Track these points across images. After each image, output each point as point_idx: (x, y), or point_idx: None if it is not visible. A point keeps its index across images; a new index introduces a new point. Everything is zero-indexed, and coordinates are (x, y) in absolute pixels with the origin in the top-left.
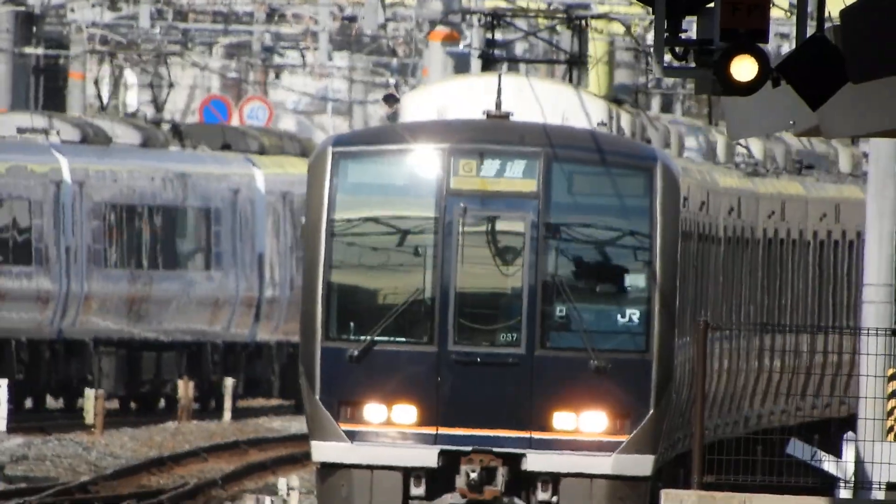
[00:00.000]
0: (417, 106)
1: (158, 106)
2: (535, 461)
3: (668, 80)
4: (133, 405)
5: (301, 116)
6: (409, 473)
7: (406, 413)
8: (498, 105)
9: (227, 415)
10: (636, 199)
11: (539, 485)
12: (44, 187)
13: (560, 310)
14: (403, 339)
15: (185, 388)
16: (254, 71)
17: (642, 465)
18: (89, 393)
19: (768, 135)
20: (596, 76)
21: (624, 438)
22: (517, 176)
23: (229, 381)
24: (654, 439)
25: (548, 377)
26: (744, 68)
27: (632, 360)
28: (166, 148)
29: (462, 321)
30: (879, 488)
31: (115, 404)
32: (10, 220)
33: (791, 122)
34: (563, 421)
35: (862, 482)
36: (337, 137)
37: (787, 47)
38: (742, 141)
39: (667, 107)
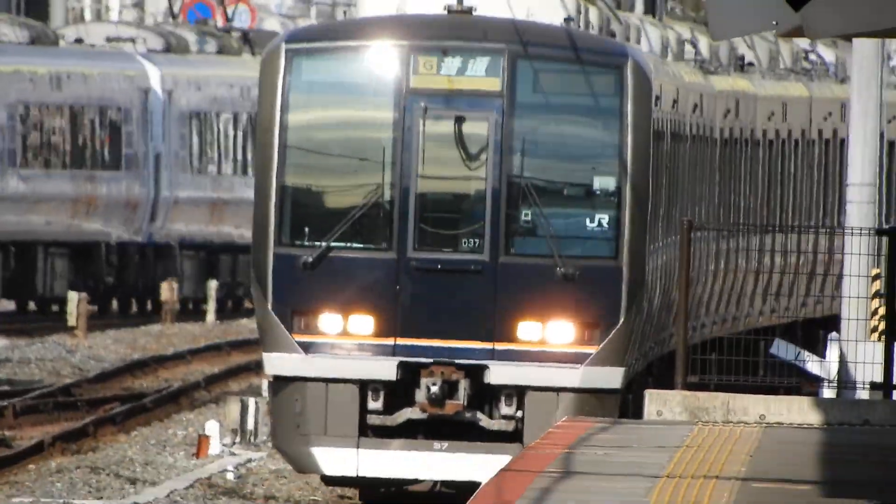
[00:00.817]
0: (376, 1)
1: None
2: (498, 373)
3: None
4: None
5: (285, 19)
6: (366, 386)
7: (363, 323)
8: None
9: (211, 317)
10: (606, 98)
11: (503, 398)
12: (134, 94)
13: (525, 214)
14: (361, 246)
15: (169, 291)
16: None
17: (612, 377)
18: (72, 295)
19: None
20: None
21: (593, 350)
22: (480, 74)
23: (213, 284)
24: (624, 350)
25: (512, 285)
26: None
27: (601, 268)
28: (239, 55)
29: (423, 226)
30: (863, 388)
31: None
32: (103, 126)
33: (774, 23)
34: (529, 331)
35: (845, 382)
36: (290, 33)
37: None
38: (688, 36)
39: (650, 7)
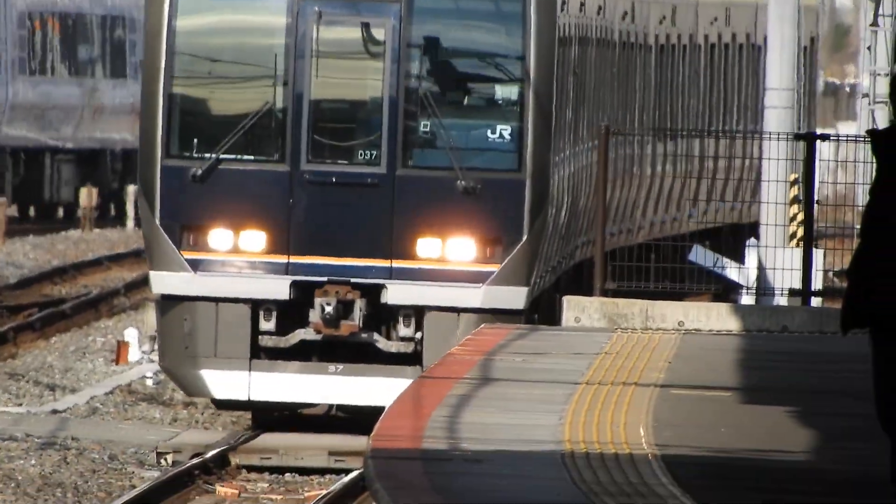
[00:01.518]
0: None
1: None
2: (396, 293)
3: None
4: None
5: None
6: (258, 306)
7: (254, 240)
8: None
9: (130, 223)
10: (508, 2)
11: (401, 319)
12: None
13: (424, 125)
14: (252, 158)
15: (88, 197)
16: None
17: (515, 297)
18: None
19: None
20: None
21: (494, 268)
22: None
23: (132, 189)
24: (527, 268)
25: (410, 199)
26: None
27: (503, 181)
28: None
29: (317, 137)
30: (781, 294)
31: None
32: (109, 36)
33: None
34: (428, 248)
35: (764, 288)
36: None
37: None
38: None
39: None
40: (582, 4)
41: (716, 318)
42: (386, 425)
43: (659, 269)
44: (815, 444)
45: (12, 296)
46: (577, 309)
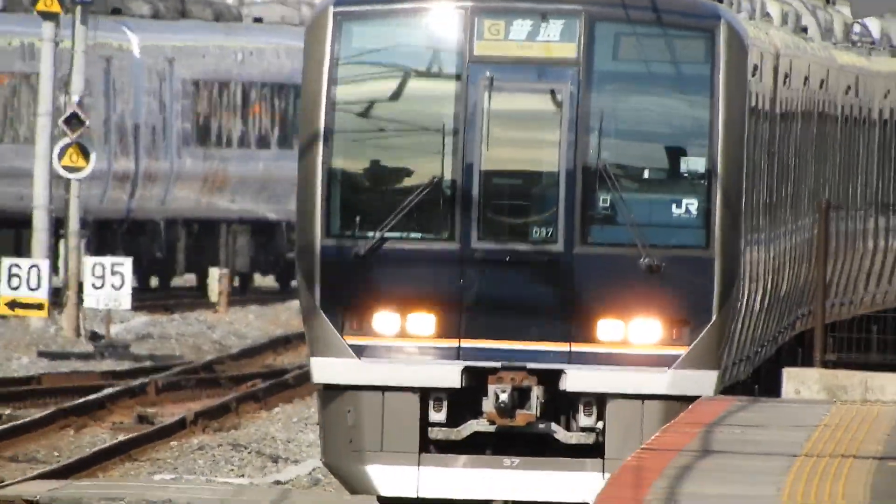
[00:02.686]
0: None
1: None
2: (576, 379)
3: None
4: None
5: None
6: (427, 395)
7: (423, 323)
8: None
9: None
10: (695, 66)
11: (581, 407)
12: None
13: (604, 199)
14: (419, 236)
15: None
16: None
17: (704, 382)
18: (213, 272)
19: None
20: None
21: (682, 350)
22: (553, 39)
23: None
24: (717, 351)
25: (590, 279)
26: None
27: (690, 258)
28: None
29: (488, 213)
30: None
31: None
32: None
33: None
34: (610, 331)
35: None
36: None
37: None
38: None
39: None
40: (786, 76)
41: None
42: (607, 496)
43: (880, 341)
44: None
45: (235, 366)
46: (797, 381)
